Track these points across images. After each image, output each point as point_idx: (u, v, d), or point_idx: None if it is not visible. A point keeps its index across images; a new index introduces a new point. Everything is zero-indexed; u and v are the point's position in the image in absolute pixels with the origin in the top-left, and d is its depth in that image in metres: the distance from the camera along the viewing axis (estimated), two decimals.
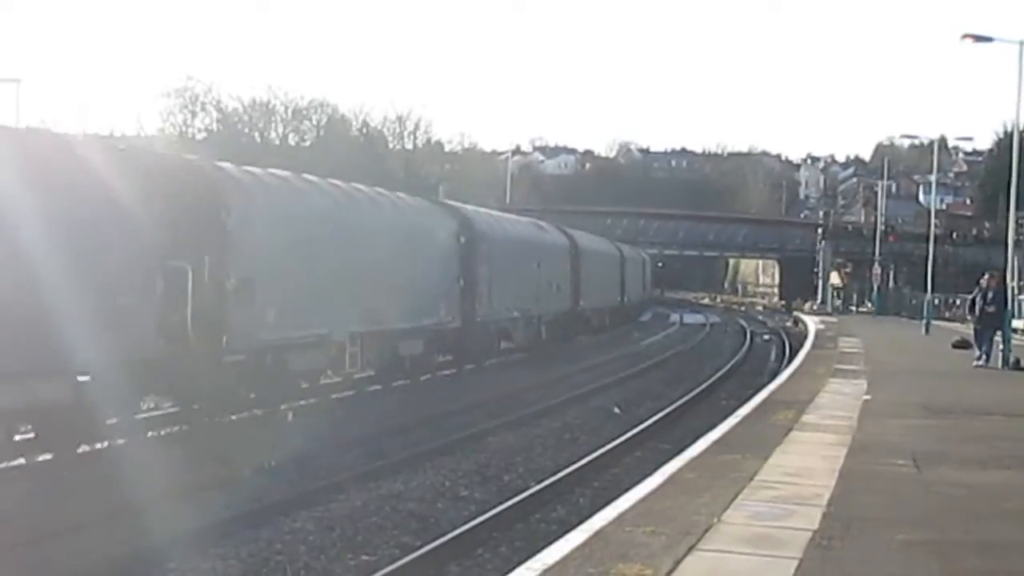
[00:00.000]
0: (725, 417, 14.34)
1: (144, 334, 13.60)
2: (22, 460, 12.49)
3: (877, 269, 62.53)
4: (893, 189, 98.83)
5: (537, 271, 30.89)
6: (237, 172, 17.15)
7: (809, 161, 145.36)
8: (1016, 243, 32.71)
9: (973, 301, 24.06)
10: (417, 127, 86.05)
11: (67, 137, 16.53)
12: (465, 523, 10.17)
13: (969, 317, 26.74)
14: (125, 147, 17.83)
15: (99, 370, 12.70)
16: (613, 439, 15.36)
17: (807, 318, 50.07)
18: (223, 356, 15.33)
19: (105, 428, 13.45)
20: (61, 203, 12.30)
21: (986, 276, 24.32)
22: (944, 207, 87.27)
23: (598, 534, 7.34)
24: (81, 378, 12.53)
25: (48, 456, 12.70)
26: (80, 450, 13.16)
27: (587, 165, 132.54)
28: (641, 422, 17.18)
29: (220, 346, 15.18)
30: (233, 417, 16.15)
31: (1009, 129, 55.60)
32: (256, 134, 75.79)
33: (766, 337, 42.35)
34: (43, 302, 11.74)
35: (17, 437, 12.69)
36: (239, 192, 16.17)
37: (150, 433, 14.72)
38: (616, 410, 19.04)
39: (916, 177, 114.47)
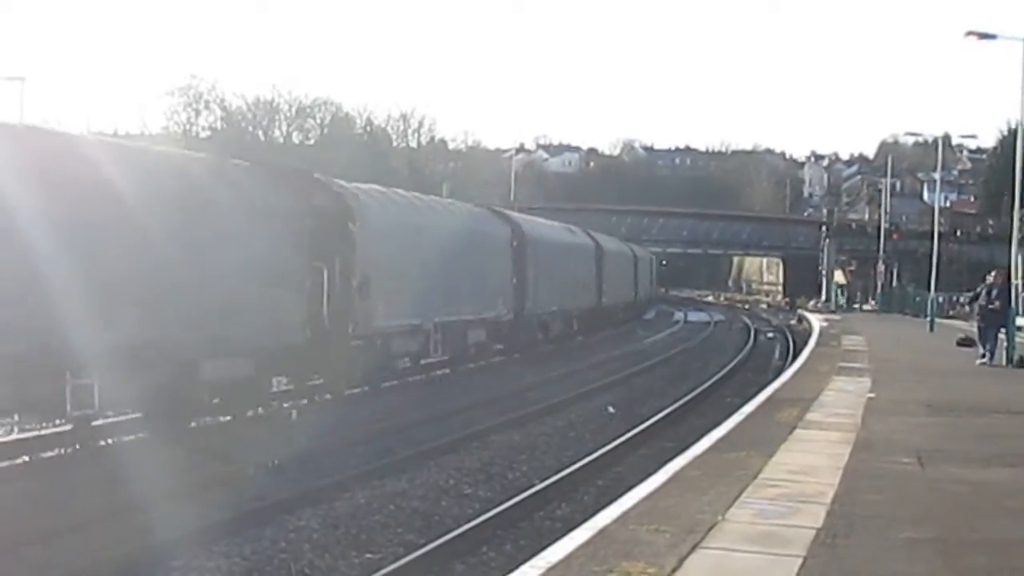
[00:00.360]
0: (729, 415, 14.34)
1: (296, 323, 16.88)
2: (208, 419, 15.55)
3: (881, 267, 62.54)
4: (897, 187, 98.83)
5: (570, 271, 34.49)
6: (354, 188, 20.26)
7: (813, 159, 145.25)
8: (1020, 241, 32.60)
9: (976, 296, 24.01)
10: (421, 125, 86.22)
11: (265, 167, 19.72)
12: (469, 521, 10.18)
13: (968, 309, 26.74)
14: (284, 169, 20.70)
15: (268, 352, 16.03)
16: (617, 437, 15.36)
17: (811, 316, 50.03)
18: (350, 341, 18.46)
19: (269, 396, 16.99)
20: (248, 219, 15.50)
21: (992, 274, 24.27)
22: (948, 205, 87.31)
23: (602, 532, 7.33)
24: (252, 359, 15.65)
25: (228, 418, 15.90)
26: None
27: (591, 163, 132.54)
28: (644, 420, 17.17)
29: (347, 333, 18.36)
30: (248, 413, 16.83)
31: (1013, 126, 55.46)
32: (260, 132, 75.80)
33: (770, 335, 42.31)
34: (240, 298, 15.01)
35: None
36: (359, 204, 19.39)
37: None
38: (610, 409, 19.04)
39: (920, 175, 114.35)
